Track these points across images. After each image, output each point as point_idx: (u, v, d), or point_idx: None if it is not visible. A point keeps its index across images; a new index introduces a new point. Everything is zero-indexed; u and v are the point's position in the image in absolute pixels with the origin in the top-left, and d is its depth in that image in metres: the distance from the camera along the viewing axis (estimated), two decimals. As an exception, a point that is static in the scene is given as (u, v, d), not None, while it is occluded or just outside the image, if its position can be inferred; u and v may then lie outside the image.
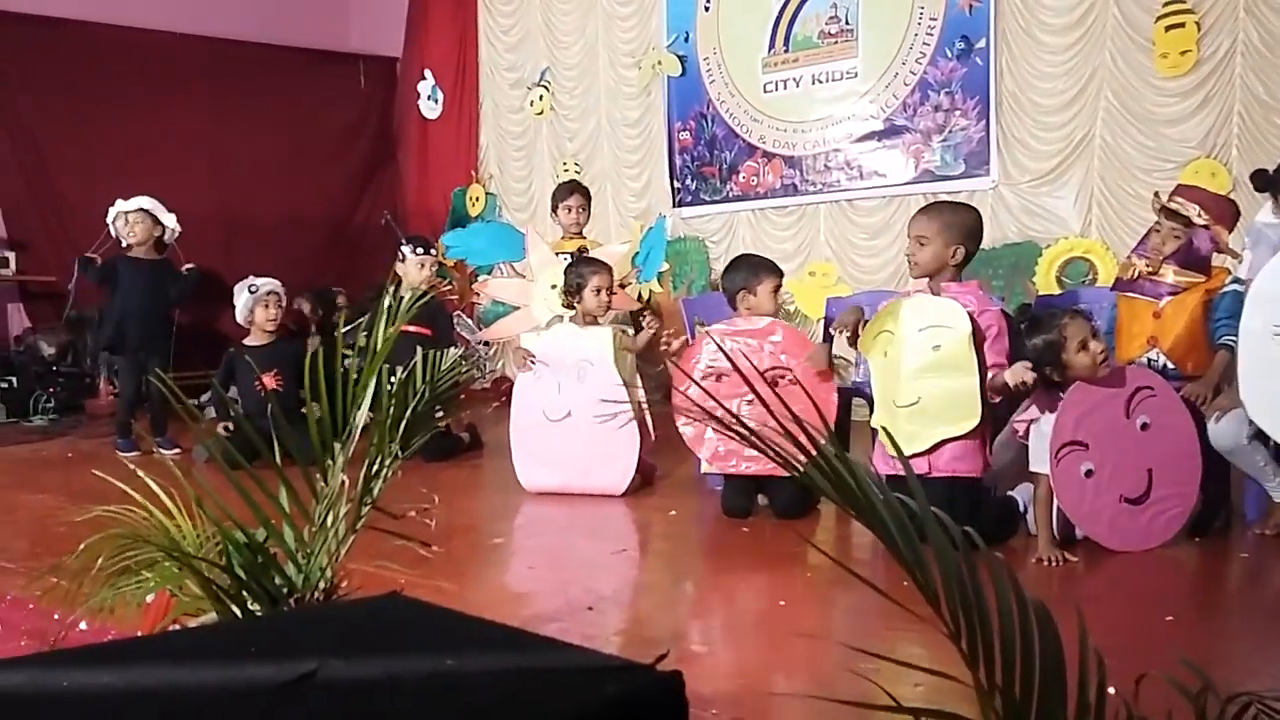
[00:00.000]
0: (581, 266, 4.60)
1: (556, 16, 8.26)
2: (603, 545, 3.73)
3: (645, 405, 4.44)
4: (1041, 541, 3.26)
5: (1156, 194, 3.88)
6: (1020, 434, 3.39)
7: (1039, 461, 3.31)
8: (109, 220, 5.89)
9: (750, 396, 1.20)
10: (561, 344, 4.48)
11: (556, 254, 5.54)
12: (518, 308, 5.65)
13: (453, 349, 3.97)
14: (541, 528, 4.06)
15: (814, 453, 1.18)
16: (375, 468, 1.97)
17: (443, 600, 1.31)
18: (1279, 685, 1.17)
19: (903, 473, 3.18)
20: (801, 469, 1.20)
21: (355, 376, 1.97)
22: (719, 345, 3.90)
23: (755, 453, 1.20)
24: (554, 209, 5.83)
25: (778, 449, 1.19)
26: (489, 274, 7.20)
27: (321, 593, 1.85)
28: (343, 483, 1.92)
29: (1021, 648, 1.11)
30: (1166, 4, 5.53)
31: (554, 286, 5.20)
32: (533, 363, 4.46)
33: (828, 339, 4.22)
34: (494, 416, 6.25)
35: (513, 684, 0.94)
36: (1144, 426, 3.30)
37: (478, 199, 8.81)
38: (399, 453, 1.99)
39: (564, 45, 8.23)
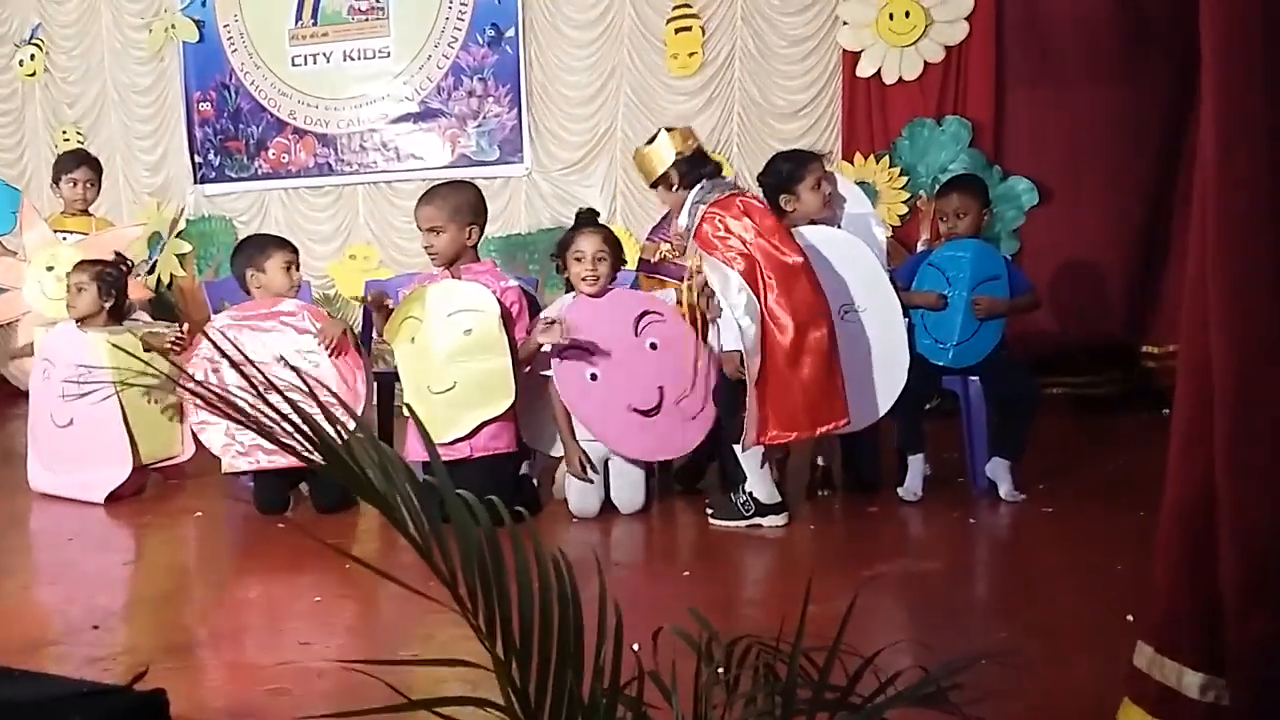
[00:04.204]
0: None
1: (47, -33, 7.30)
2: (114, 557, 3.36)
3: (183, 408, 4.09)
4: (569, 459, 3.53)
5: None
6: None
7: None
8: None
9: (264, 386, 1.08)
10: (61, 346, 4.05)
11: (56, 231, 4.92)
12: (5, 290, 4.95)
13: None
14: (42, 541, 3.60)
15: (317, 440, 1.10)
16: None
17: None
18: (776, 626, 1.27)
19: (444, 458, 3.15)
20: (309, 456, 1.11)
21: None
22: (212, 340, 3.63)
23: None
24: (55, 181, 5.15)
25: (291, 439, 1.09)
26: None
27: None
28: None
29: (540, 616, 1.11)
30: (676, 7, 5.97)
31: (50, 269, 4.63)
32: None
33: (367, 322, 4.12)
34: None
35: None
36: (653, 346, 3.55)
37: (-46, 169, 7.59)
38: None
39: (58, 1, 7.30)
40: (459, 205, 3.57)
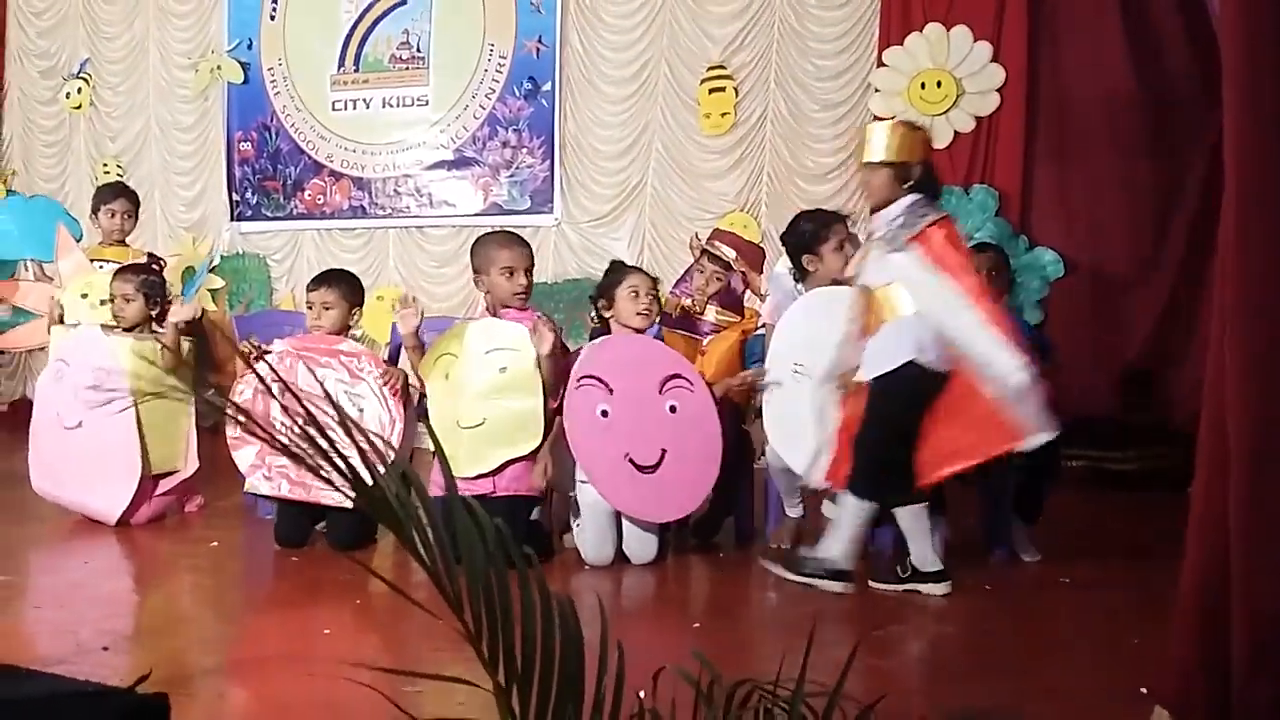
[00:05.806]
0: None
1: (99, 4, 7.51)
2: (128, 581, 3.39)
3: (192, 427, 4.12)
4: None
5: (696, 235, 4.22)
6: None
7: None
8: None
9: (304, 417, 1.10)
10: (84, 346, 4.08)
11: (93, 260, 5.02)
12: (40, 316, 5.05)
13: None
14: (58, 563, 3.60)
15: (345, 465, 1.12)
16: None
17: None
18: (780, 674, 1.27)
19: (465, 492, 3.16)
20: (333, 482, 1.13)
21: None
22: (266, 365, 3.67)
23: (302, 479, 1.11)
24: (94, 212, 5.26)
25: (322, 468, 1.11)
26: (12, 275, 6.32)
27: None
28: None
29: (542, 648, 1.12)
30: (710, 68, 6.07)
31: (84, 296, 4.72)
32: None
33: (393, 358, 4.14)
34: (6, 442, 5.48)
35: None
36: (672, 409, 3.49)
37: (-4, 198, 7.75)
38: None
39: (108, 37, 7.51)
40: (531, 253, 3.71)
